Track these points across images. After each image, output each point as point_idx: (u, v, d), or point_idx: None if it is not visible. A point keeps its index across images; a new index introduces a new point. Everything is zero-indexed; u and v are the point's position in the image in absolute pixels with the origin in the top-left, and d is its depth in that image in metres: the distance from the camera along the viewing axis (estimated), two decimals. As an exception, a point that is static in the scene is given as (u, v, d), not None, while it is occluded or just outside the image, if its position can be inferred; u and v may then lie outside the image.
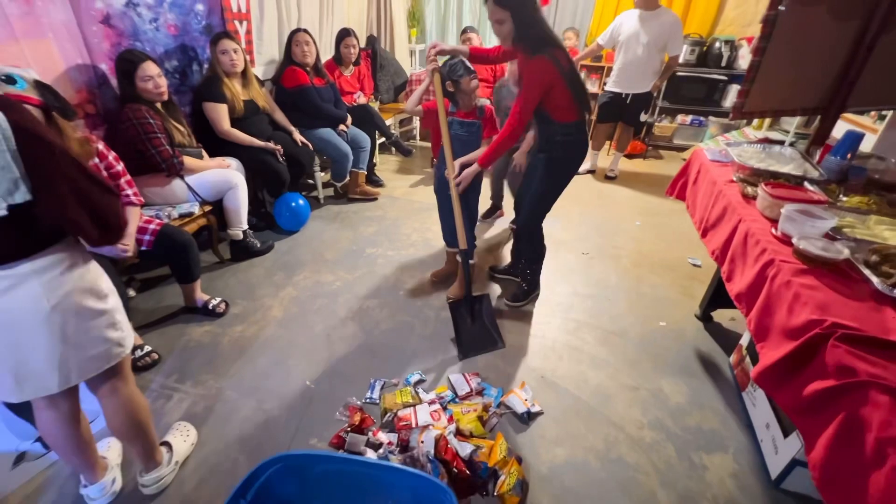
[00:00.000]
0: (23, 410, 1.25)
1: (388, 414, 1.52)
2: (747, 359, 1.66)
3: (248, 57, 2.46)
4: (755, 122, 4.04)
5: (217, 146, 2.40)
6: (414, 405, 1.53)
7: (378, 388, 1.65)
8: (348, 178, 3.04)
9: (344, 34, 3.02)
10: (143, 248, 1.77)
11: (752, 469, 1.42)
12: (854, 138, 1.64)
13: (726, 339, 1.97)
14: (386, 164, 3.93)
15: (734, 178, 1.60)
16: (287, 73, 2.68)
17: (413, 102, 1.93)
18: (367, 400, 1.61)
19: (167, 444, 1.35)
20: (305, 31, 2.69)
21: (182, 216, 2.08)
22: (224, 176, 2.23)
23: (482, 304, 1.96)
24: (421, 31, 4.69)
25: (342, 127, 2.92)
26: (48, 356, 0.98)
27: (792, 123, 3.64)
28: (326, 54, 3.28)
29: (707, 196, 1.69)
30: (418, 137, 4.45)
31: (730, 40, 4.02)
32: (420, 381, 1.68)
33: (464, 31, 3.55)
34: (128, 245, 1.58)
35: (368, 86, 3.49)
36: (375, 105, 3.61)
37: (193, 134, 2.27)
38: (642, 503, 1.31)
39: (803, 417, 0.87)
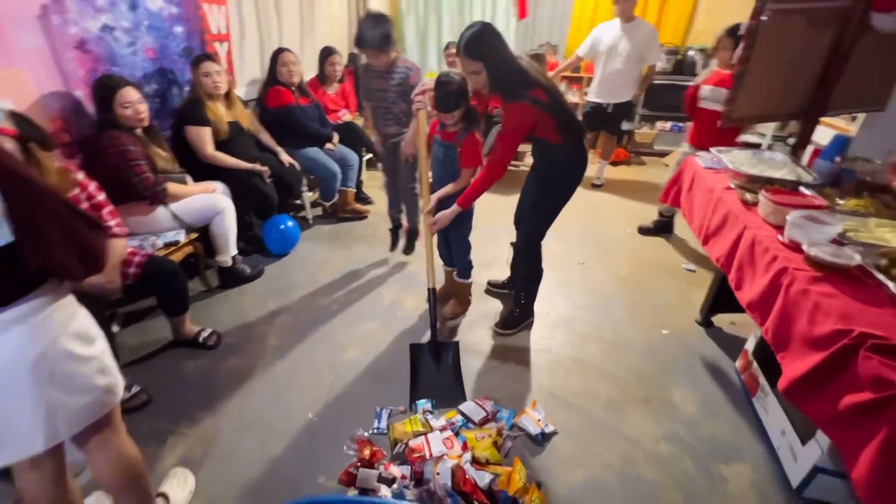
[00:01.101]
0: None
1: (399, 445, 1.46)
2: (754, 364, 1.66)
3: (230, 78, 2.40)
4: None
5: (201, 170, 2.32)
6: (425, 433, 1.47)
7: (385, 416, 1.58)
8: (337, 196, 2.99)
9: (328, 52, 2.99)
10: (127, 282, 1.67)
11: (773, 478, 1.40)
12: (842, 141, 1.68)
13: (729, 344, 1.97)
14: (373, 181, 3.88)
15: (732, 186, 1.61)
16: (271, 94, 2.62)
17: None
18: (375, 430, 1.54)
19: (163, 496, 1.26)
20: (290, 51, 2.65)
21: (167, 245, 1.98)
22: (210, 201, 2.15)
23: (450, 351, 1.79)
24: (402, 46, 4.69)
25: (329, 145, 2.87)
26: (33, 411, 0.89)
27: (768, 127, 3.76)
28: (309, 73, 3.23)
29: (705, 203, 1.71)
30: (404, 152, 4.43)
31: (703, 49, 4.15)
32: (429, 411, 1.60)
33: (447, 47, 3.56)
34: (114, 280, 1.49)
35: (352, 103, 3.46)
36: (360, 122, 3.57)
37: (176, 158, 2.19)
38: (668, 522, 1.28)
39: (839, 431, 0.85)
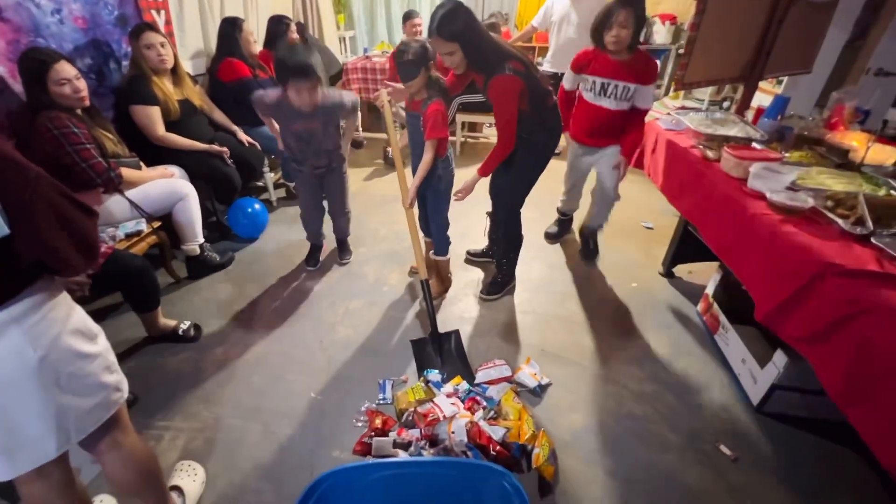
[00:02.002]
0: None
1: (407, 414, 1.49)
2: (715, 305, 1.86)
3: (174, 51, 2.19)
4: (671, 92, 4.44)
5: (153, 154, 2.13)
6: (429, 399, 1.52)
7: (389, 387, 1.61)
8: (301, 176, 2.87)
9: (279, 20, 2.80)
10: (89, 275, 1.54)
11: (737, 400, 1.61)
12: (782, 101, 1.87)
13: (690, 291, 2.18)
14: (333, 159, 3.76)
15: (695, 145, 1.75)
16: (224, 66, 2.43)
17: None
18: (382, 401, 1.57)
19: (177, 489, 1.22)
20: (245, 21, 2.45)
21: (129, 236, 1.83)
22: (171, 187, 2.00)
23: (451, 341, 1.78)
24: (348, 16, 4.48)
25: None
26: (42, 416, 0.83)
27: (705, 92, 4.05)
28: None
29: (670, 163, 1.84)
30: (361, 129, 4.30)
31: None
32: (436, 381, 1.60)
33: (409, 17, 3.45)
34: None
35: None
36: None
37: (123, 143, 2.00)
38: (659, 449, 1.43)
39: (812, 346, 1.01)
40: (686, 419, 1.53)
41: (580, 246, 2.53)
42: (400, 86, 1.75)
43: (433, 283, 2.11)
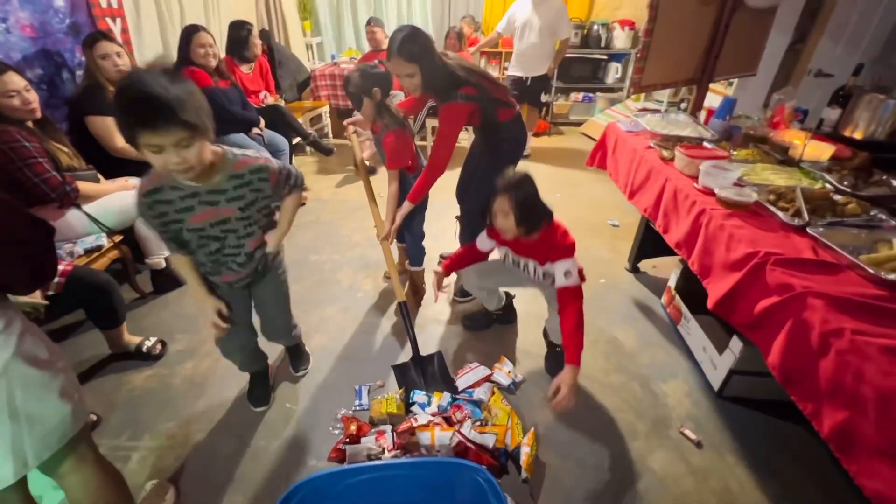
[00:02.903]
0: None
1: (378, 425, 1.47)
2: (677, 297, 1.95)
3: (132, 60, 2.14)
4: (633, 95, 4.62)
5: (114, 166, 2.07)
6: (401, 415, 1.48)
7: (365, 393, 1.62)
8: (270, 185, 2.83)
9: (241, 26, 2.77)
10: (49, 294, 1.48)
11: (700, 386, 1.69)
12: (730, 103, 1.99)
13: (654, 285, 2.28)
14: (303, 166, 3.73)
15: (652, 145, 1.84)
16: (184, 75, 2.37)
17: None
18: (358, 407, 1.57)
19: (146, 510, 1.19)
20: (204, 29, 2.41)
21: (89, 252, 1.78)
22: (132, 199, 1.94)
23: (434, 363, 1.71)
24: (314, 23, 4.46)
25: (256, 130, 2.70)
26: (-3, 441, 0.81)
27: (664, 94, 4.23)
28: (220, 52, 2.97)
29: (629, 162, 1.93)
30: (331, 135, 4.28)
31: (605, 23, 4.49)
32: (422, 403, 1.54)
33: (368, 23, 3.47)
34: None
35: (272, 83, 3.25)
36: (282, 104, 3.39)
37: (79, 154, 1.93)
38: (628, 436, 1.49)
39: (756, 331, 1.08)
40: (652, 407, 1.60)
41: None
42: (360, 116, 1.77)
43: (407, 293, 2.08)
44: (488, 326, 1.97)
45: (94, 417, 1.49)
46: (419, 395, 1.57)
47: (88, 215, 1.81)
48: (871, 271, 0.99)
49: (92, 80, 2.01)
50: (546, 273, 1.52)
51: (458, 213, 2.16)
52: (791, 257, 1.06)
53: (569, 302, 1.36)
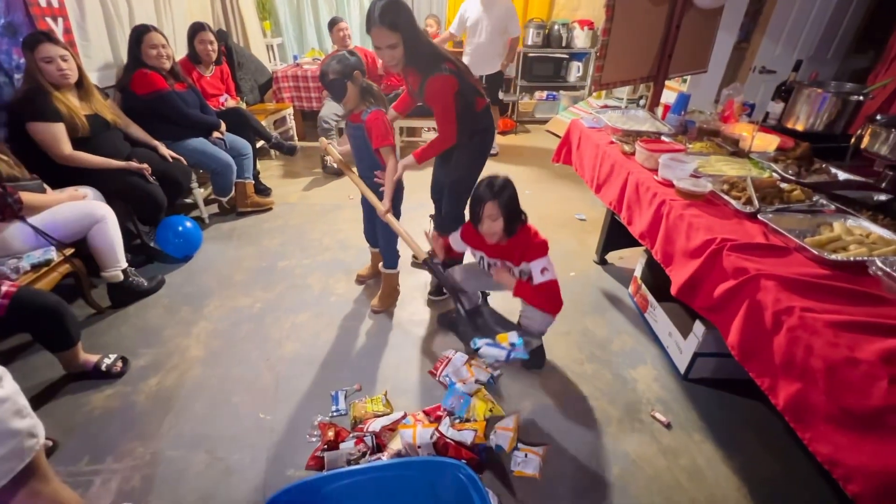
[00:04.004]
0: None
1: (361, 425, 1.47)
2: (643, 287, 2.03)
3: (79, 63, 2.02)
4: (595, 92, 4.76)
5: (62, 175, 1.95)
6: (386, 414, 1.49)
7: (342, 398, 1.60)
8: (234, 190, 2.75)
9: (198, 28, 2.67)
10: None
11: (667, 370, 1.76)
12: (685, 98, 2.08)
13: (621, 275, 2.36)
14: (269, 171, 3.63)
15: (613, 140, 1.90)
16: (137, 78, 2.27)
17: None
18: (335, 413, 1.55)
19: (113, 534, 1.13)
20: (156, 29, 2.30)
21: (36, 267, 1.67)
22: (84, 210, 1.84)
23: (484, 314, 1.72)
24: (275, 23, 4.35)
25: (217, 134, 2.61)
26: (-59, 473, 0.75)
27: (623, 92, 4.38)
28: (176, 53, 2.86)
29: (593, 158, 1.99)
30: (297, 137, 4.18)
31: (565, 23, 4.61)
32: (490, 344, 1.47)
33: (336, 23, 3.42)
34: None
35: (232, 87, 3.16)
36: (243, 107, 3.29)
37: (21, 164, 1.81)
38: (602, 422, 1.54)
39: (716, 314, 1.14)
40: (623, 393, 1.66)
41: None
42: (333, 146, 1.78)
43: (378, 299, 2.06)
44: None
45: (49, 442, 1.39)
46: (482, 342, 1.47)
47: (35, 228, 1.70)
48: (816, 252, 1.07)
49: (33, 84, 1.88)
50: (522, 272, 1.60)
51: (432, 212, 2.16)
52: (745, 242, 1.12)
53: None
